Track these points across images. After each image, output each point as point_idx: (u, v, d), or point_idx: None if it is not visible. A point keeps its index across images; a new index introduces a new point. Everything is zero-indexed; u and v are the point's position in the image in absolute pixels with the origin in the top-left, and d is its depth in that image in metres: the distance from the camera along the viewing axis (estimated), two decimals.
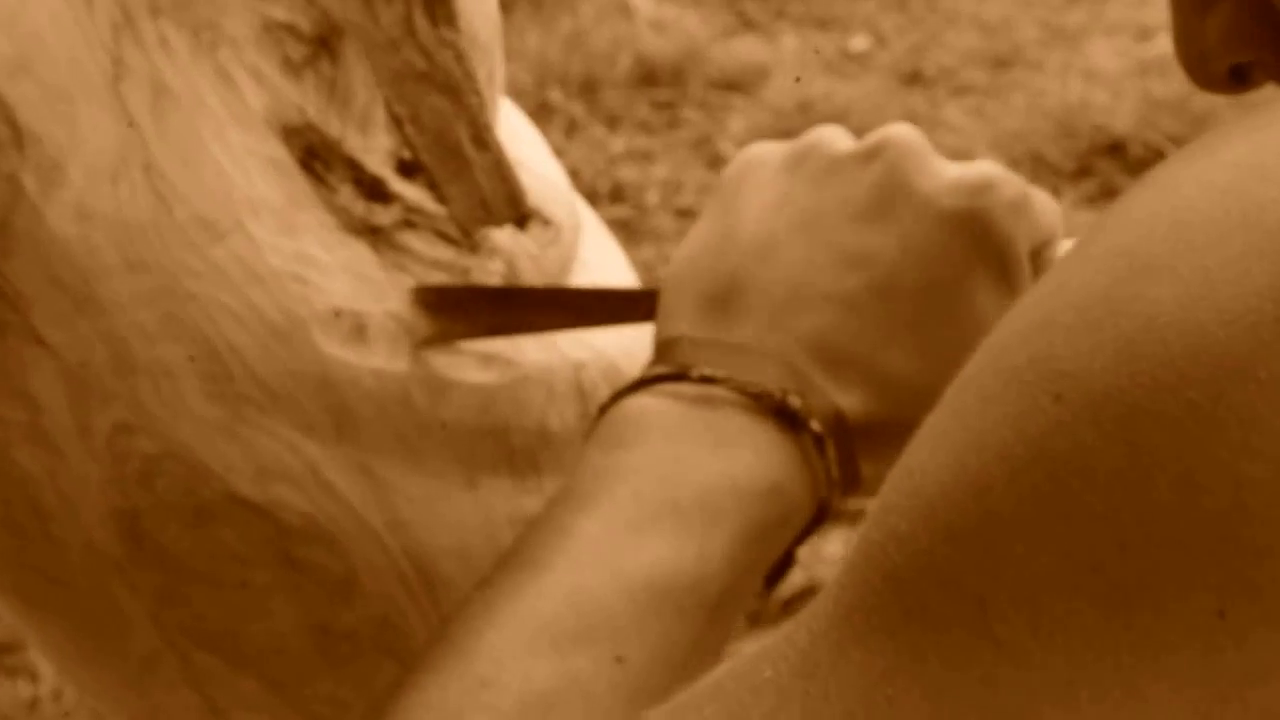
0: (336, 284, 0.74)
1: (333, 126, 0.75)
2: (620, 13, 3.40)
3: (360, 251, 0.75)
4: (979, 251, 0.64)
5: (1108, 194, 2.93)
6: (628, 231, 2.89)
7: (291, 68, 0.73)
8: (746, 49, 3.38)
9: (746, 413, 0.64)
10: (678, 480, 0.63)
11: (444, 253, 0.77)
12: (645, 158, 3.09)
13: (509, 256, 0.79)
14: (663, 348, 0.68)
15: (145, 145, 0.69)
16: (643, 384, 0.66)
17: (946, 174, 0.66)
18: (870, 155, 0.67)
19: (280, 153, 0.73)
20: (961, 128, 3.11)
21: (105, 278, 0.70)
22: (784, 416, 0.64)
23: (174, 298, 0.71)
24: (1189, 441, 0.35)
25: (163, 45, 0.69)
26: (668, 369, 0.66)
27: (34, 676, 2.01)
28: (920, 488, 0.40)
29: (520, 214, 0.77)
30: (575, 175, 2.98)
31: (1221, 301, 0.35)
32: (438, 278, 0.77)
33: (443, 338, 0.75)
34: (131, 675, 0.83)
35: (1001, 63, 3.37)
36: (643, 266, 2.79)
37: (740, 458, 0.63)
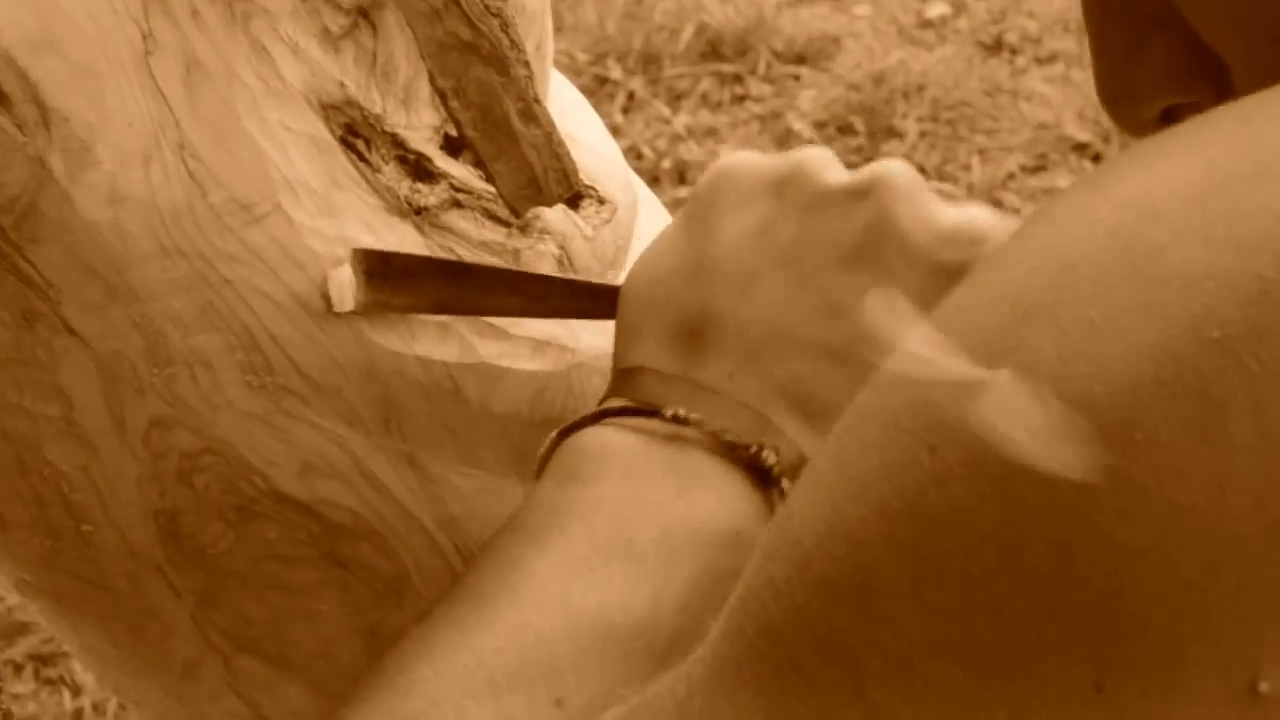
0: None
1: (374, 102, 0.75)
2: None
3: (405, 233, 0.75)
4: None
5: None
6: None
7: (330, 40, 0.73)
8: (817, 18, 3.37)
9: (712, 456, 0.65)
10: (635, 520, 0.63)
11: (492, 234, 0.77)
12: (710, 135, 3.08)
13: (561, 237, 0.79)
14: (626, 377, 0.68)
15: (177, 124, 0.69)
16: (605, 415, 0.66)
17: (943, 222, 0.65)
18: (862, 193, 0.66)
19: (319, 130, 0.73)
20: (1046, 98, 3.08)
21: (138, 264, 0.70)
22: (755, 470, 0.64)
23: (210, 284, 0.71)
24: (1064, 505, 0.34)
25: (194, 17, 0.69)
26: (634, 403, 0.66)
27: (76, 689, 2.03)
28: (799, 535, 0.39)
29: (573, 192, 0.76)
30: (636, 154, 2.99)
31: (1102, 357, 0.34)
32: (487, 259, 0.77)
33: (382, 308, 0.73)
34: (173, 682, 0.83)
35: None
36: None
37: (703, 502, 0.64)
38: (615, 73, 3.21)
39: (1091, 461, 0.34)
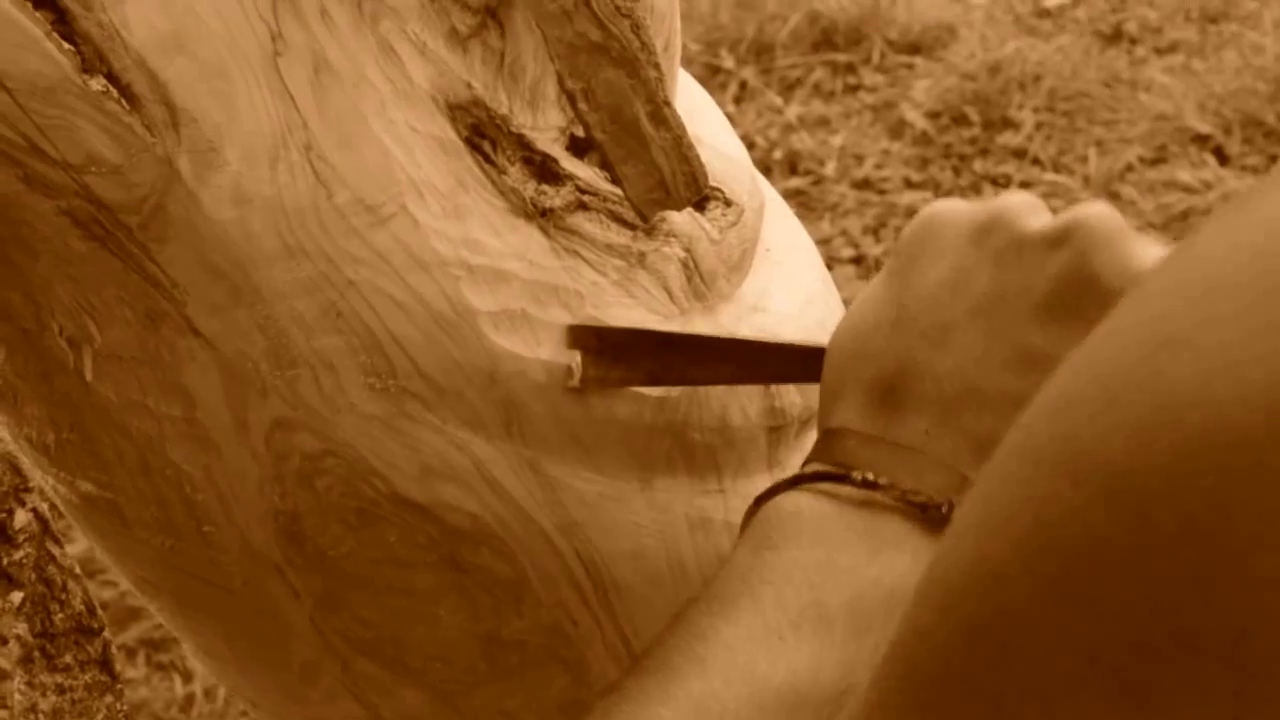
0: (505, 270, 0.74)
1: (501, 102, 0.74)
2: None
3: (530, 235, 0.74)
4: None
5: None
6: (804, 204, 2.87)
7: (458, 40, 0.72)
8: (932, 7, 3.33)
9: (906, 518, 0.65)
10: (827, 586, 0.63)
11: (618, 236, 0.76)
12: (822, 125, 3.06)
13: (687, 240, 0.78)
14: (827, 439, 0.68)
15: (305, 124, 0.69)
16: (801, 480, 0.66)
17: (1139, 264, 0.64)
18: (1059, 239, 0.65)
19: (446, 131, 0.72)
20: (1166, 89, 3.04)
21: (263, 265, 0.70)
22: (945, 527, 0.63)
23: (334, 286, 0.71)
24: (1201, 534, 0.33)
25: (323, 18, 0.69)
26: (828, 468, 0.66)
27: (187, 675, 2.05)
28: (945, 577, 0.39)
29: (701, 195, 0.75)
30: (748, 144, 2.97)
31: (1242, 379, 0.33)
32: (612, 263, 0.76)
33: (599, 383, 0.75)
34: (291, 684, 0.83)
35: (1212, 17, 3.29)
36: (820, 242, 2.76)
37: (897, 564, 0.64)
38: (728, 62, 3.19)
39: (1228, 488, 0.33)
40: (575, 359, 0.74)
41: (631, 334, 0.75)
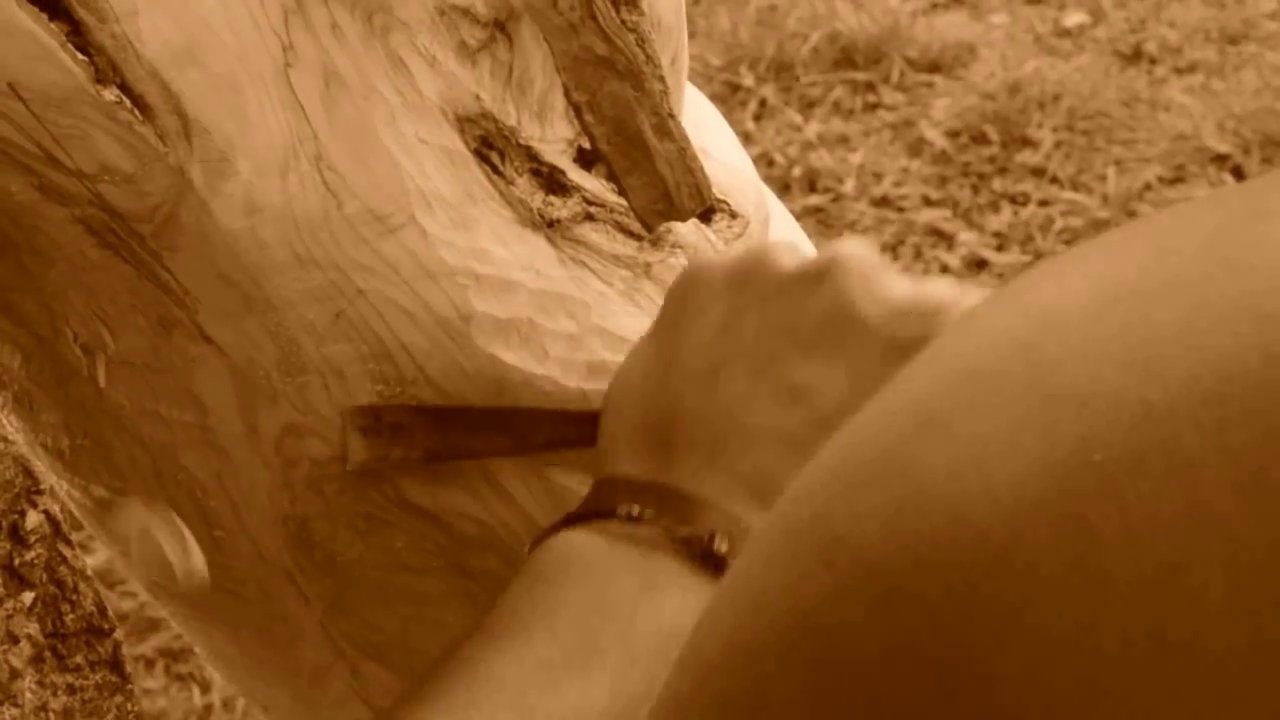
0: (512, 280, 0.75)
1: (509, 115, 0.75)
2: None
3: (538, 246, 0.75)
4: None
5: None
6: (823, 222, 2.87)
7: (467, 53, 0.74)
8: (951, 25, 3.34)
9: (676, 556, 0.66)
10: (597, 618, 0.65)
11: (624, 247, 0.77)
12: (842, 143, 3.07)
13: (693, 251, 0.79)
14: (599, 486, 0.70)
15: (315, 135, 0.70)
16: (571, 520, 0.68)
17: (897, 298, 0.66)
18: (817, 278, 0.67)
19: (454, 142, 0.73)
20: (1186, 109, 3.04)
21: (274, 274, 0.71)
22: (710, 561, 0.65)
23: (344, 294, 0.72)
24: (945, 632, 0.32)
25: (334, 30, 0.70)
26: (595, 507, 0.68)
27: (205, 685, 2.06)
28: (702, 647, 0.38)
29: (705, 206, 0.76)
30: (767, 162, 2.98)
31: (990, 473, 0.32)
32: (618, 273, 0.77)
33: (377, 462, 0.75)
34: (302, 688, 0.84)
35: (1231, 38, 3.29)
36: None
37: (667, 599, 0.65)
38: (747, 80, 3.20)
39: (972, 586, 0.32)
40: (352, 441, 0.74)
41: (406, 410, 0.75)
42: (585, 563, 0.66)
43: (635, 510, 0.67)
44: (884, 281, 0.67)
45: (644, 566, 0.66)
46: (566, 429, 0.75)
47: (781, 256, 0.69)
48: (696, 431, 0.68)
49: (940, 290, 0.67)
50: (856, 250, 0.68)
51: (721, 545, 0.65)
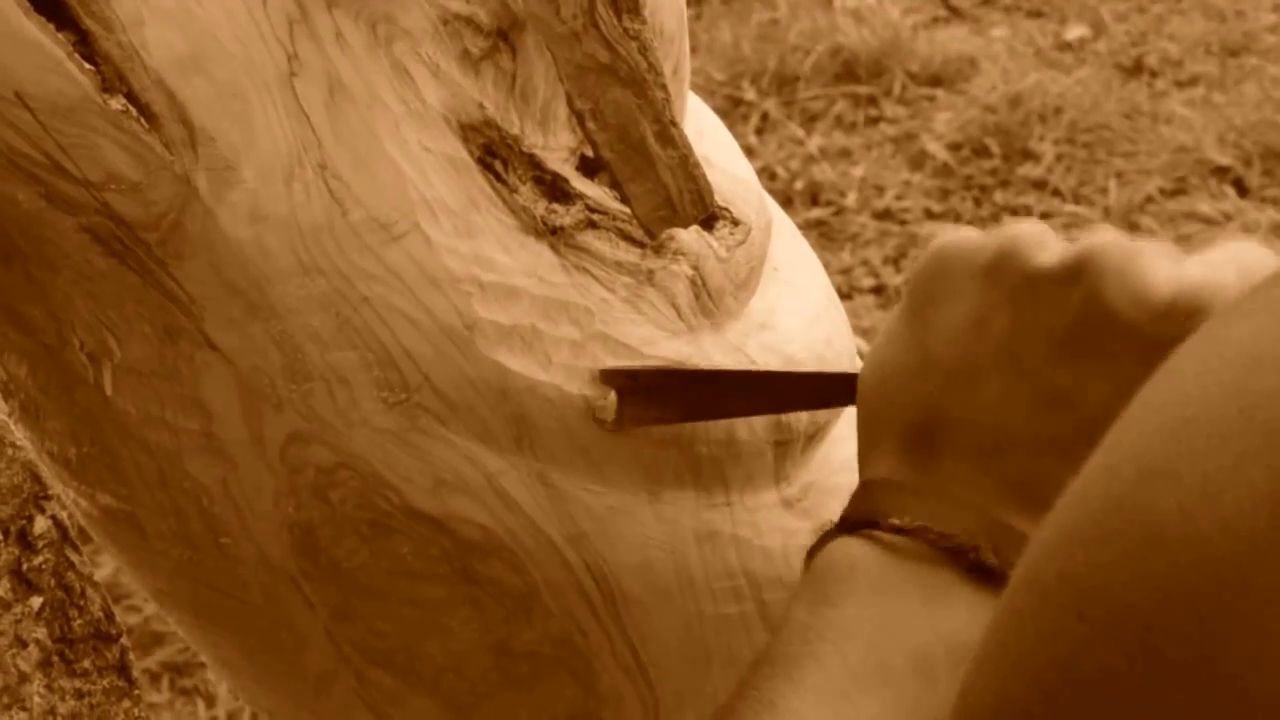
0: (516, 287, 0.75)
1: (512, 123, 0.75)
2: (818, 3, 3.39)
3: (541, 253, 0.76)
4: None
5: None
6: (826, 234, 2.88)
7: (470, 62, 0.74)
8: (953, 39, 3.35)
9: (953, 569, 0.66)
10: (887, 642, 0.65)
11: (627, 254, 0.78)
12: (844, 156, 3.07)
13: (695, 258, 0.79)
14: (863, 489, 0.69)
15: (319, 144, 0.70)
16: (846, 527, 0.68)
17: (1157, 297, 0.64)
18: (1072, 275, 0.66)
19: (458, 150, 0.74)
20: (1187, 122, 3.04)
21: (279, 281, 0.71)
22: (981, 572, 0.65)
23: (348, 302, 0.72)
24: (1202, 658, 0.35)
25: (338, 40, 0.70)
26: (860, 515, 0.67)
27: (210, 699, 2.06)
28: (971, 712, 0.40)
29: (707, 214, 0.77)
30: (769, 175, 2.98)
31: (1222, 509, 0.35)
32: (621, 280, 0.77)
33: (635, 423, 0.76)
34: (307, 695, 0.84)
35: (1232, 51, 3.30)
36: (841, 272, 2.77)
37: (952, 614, 0.65)
38: (749, 93, 3.21)
39: (1222, 614, 0.35)
40: (610, 399, 0.76)
41: (664, 374, 0.76)
42: (869, 580, 0.66)
43: (906, 520, 0.66)
44: (1142, 279, 0.65)
45: (923, 579, 0.66)
46: (823, 388, 0.77)
47: (1036, 249, 0.67)
48: (960, 434, 0.67)
49: (1198, 281, 0.65)
50: (1110, 244, 0.66)
51: (989, 558, 0.65)
